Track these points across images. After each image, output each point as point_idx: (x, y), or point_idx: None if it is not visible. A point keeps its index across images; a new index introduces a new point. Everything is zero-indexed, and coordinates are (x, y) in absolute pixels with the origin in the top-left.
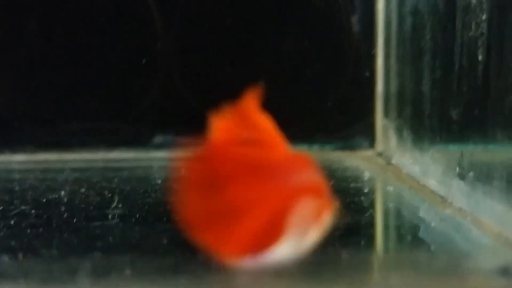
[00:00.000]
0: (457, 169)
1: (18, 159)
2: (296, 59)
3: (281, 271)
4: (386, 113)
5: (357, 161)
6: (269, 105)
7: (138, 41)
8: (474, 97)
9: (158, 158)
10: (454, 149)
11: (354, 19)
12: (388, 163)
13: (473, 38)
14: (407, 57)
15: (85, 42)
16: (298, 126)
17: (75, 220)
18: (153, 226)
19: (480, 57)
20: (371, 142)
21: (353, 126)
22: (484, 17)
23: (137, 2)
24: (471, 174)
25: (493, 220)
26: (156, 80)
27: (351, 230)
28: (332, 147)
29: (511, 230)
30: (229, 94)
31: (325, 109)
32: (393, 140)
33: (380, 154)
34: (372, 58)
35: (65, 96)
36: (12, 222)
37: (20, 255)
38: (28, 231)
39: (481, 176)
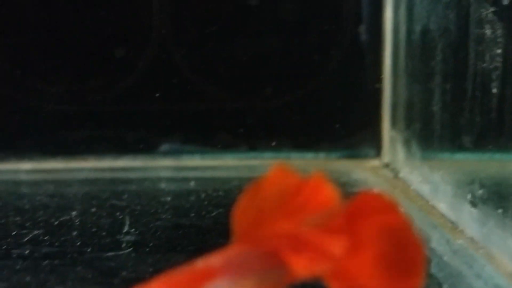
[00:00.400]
0: (469, 196)
1: (25, 167)
2: (303, 68)
3: None
4: (394, 124)
5: (364, 173)
6: (276, 113)
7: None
8: (487, 127)
9: (165, 167)
10: (466, 171)
11: (362, 28)
12: (396, 176)
13: (487, 70)
14: (416, 73)
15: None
16: (305, 134)
17: (88, 250)
18: (167, 258)
19: (494, 90)
20: (378, 152)
21: (359, 135)
22: (499, 51)
23: None
24: (482, 203)
25: (507, 255)
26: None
27: None
28: (338, 155)
29: None
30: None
31: (331, 117)
32: (400, 152)
33: (387, 165)
34: (379, 67)
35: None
36: (26, 252)
37: None
38: (43, 263)
39: (494, 202)
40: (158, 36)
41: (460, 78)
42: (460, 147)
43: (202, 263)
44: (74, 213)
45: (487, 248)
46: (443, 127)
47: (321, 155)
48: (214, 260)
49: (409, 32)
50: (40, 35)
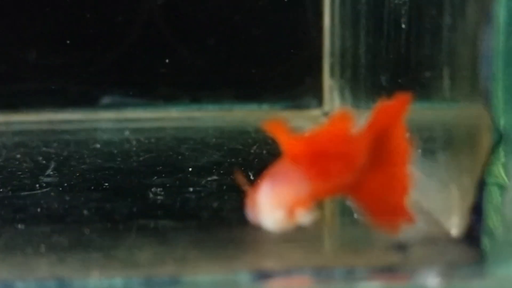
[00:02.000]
0: None
1: None
2: (244, 19)
3: None
4: (332, 73)
5: (304, 122)
6: (220, 65)
7: None
8: (398, 65)
9: (106, 120)
10: None
11: None
12: None
13: (398, 5)
14: (348, 19)
15: None
16: (248, 85)
17: (4, 190)
18: (80, 196)
19: (403, 26)
20: (319, 102)
21: (302, 86)
22: None
23: None
24: None
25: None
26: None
27: None
28: (281, 106)
29: (426, 198)
30: None
31: (273, 68)
32: (337, 100)
33: (326, 114)
34: (320, 17)
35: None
36: None
37: None
38: None
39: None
40: None
41: (379, 18)
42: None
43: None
44: None
45: None
46: (366, 71)
47: (264, 106)
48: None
49: None
50: None
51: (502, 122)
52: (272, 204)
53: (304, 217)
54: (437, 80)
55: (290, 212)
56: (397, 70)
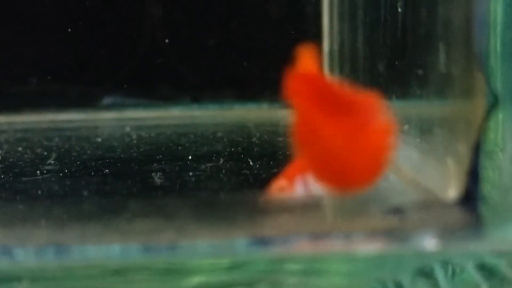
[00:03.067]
0: None
1: None
2: (246, 20)
3: None
4: (331, 69)
5: None
6: (220, 65)
7: None
8: (395, 51)
9: (107, 119)
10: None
11: None
12: None
13: None
14: (346, 14)
15: None
16: (248, 85)
17: (5, 176)
18: (79, 180)
19: (399, 10)
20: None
21: None
22: None
23: None
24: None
25: (409, 167)
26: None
27: None
28: (281, 105)
29: (423, 176)
30: None
31: (273, 68)
32: None
33: None
34: (319, 17)
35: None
36: None
37: None
38: None
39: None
40: None
41: (376, 7)
42: (378, 83)
43: None
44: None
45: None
46: (364, 62)
47: (264, 105)
48: None
49: None
50: None
51: (497, 85)
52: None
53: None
54: (433, 57)
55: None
56: (394, 54)
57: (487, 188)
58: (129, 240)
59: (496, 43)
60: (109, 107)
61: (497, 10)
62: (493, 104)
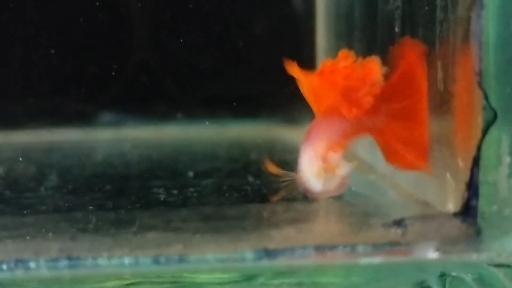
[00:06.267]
0: None
1: None
2: (240, 37)
3: None
4: None
5: (299, 137)
6: (214, 83)
7: None
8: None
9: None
10: None
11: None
12: None
13: (391, 12)
14: (343, 34)
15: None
16: (244, 103)
17: (8, 192)
18: (79, 196)
19: (396, 29)
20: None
21: (296, 103)
22: None
23: None
24: None
25: (409, 184)
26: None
27: None
28: (276, 122)
29: (423, 192)
30: None
31: (269, 86)
32: None
33: None
34: (312, 35)
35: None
36: None
37: None
38: None
39: None
40: None
41: (372, 22)
42: None
43: None
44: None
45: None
46: None
47: (260, 123)
48: None
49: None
50: None
51: (495, 100)
52: (307, 162)
53: (342, 165)
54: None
55: (324, 159)
56: None
57: (485, 202)
58: (139, 253)
59: (488, 63)
60: (107, 125)
61: (489, 31)
62: (492, 120)
